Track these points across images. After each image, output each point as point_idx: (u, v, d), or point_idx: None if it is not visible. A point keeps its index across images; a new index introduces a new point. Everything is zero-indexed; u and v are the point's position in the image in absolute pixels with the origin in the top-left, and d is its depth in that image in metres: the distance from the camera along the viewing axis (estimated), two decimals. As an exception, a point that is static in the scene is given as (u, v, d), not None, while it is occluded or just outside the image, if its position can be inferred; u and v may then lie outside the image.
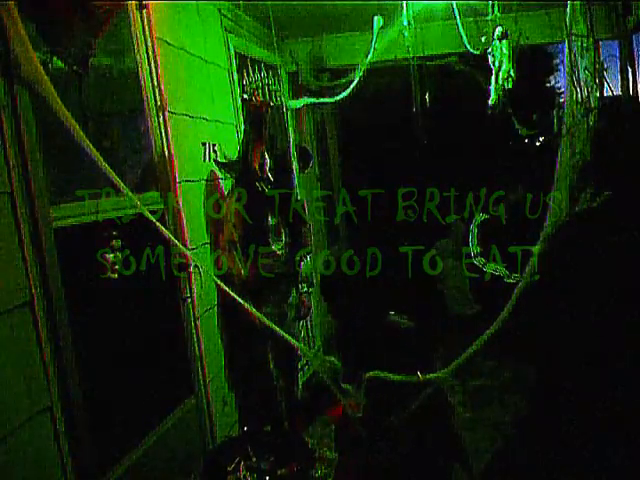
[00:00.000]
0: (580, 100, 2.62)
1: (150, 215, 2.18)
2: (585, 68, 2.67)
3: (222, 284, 2.58)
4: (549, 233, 2.48)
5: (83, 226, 2.34)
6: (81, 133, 1.99)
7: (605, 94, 3.00)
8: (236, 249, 3.36)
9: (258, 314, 2.48)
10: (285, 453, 2.83)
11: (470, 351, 2.53)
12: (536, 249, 2.51)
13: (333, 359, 2.61)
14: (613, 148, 2.73)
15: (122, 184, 2.09)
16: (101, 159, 2.02)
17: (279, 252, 3.57)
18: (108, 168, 2.04)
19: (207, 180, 3.49)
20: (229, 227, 3.37)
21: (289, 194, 3.88)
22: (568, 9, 2.60)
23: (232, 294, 2.46)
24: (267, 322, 2.49)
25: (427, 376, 2.54)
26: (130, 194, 2.12)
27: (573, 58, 2.62)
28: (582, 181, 2.57)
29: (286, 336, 2.54)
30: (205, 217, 3.42)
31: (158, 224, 2.20)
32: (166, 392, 2.85)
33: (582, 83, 2.62)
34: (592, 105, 2.63)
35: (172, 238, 2.32)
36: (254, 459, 2.77)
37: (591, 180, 2.57)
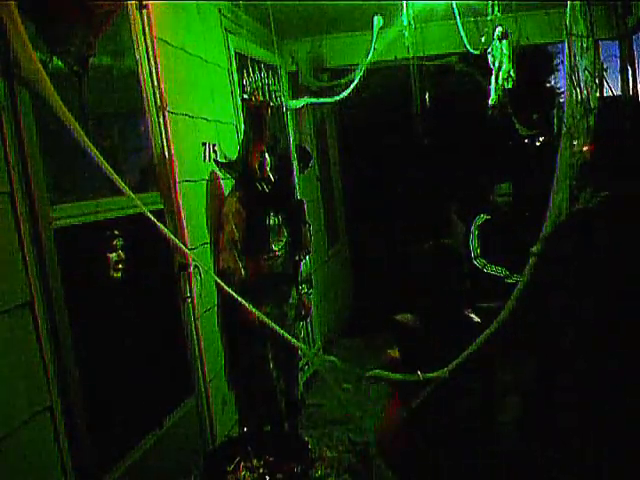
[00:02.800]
0: (580, 100, 2.62)
1: (151, 215, 2.18)
2: (585, 68, 2.67)
3: (222, 283, 2.58)
4: (548, 232, 2.48)
5: (83, 226, 2.34)
6: (82, 133, 1.99)
7: (605, 94, 3.00)
8: (236, 248, 3.37)
9: (259, 313, 2.48)
10: (285, 453, 2.83)
11: (470, 351, 2.53)
12: (536, 249, 2.51)
13: (334, 359, 2.61)
14: (613, 148, 2.73)
15: (122, 184, 2.09)
16: (102, 159, 2.02)
17: (279, 252, 3.57)
18: (109, 168, 2.04)
19: (208, 180, 3.49)
20: (230, 226, 3.37)
21: (289, 194, 3.88)
22: (568, 9, 2.60)
23: (233, 293, 2.45)
24: (268, 321, 2.49)
25: (427, 375, 2.54)
26: (131, 194, 2.12)
27: (573, 58, 2.62)
28: (582, 181, 2.57)
29: (287, 336, 2.54)
30: (207, 216, 3.42)
31: (160, 225, 2.20)
32: (166, 392, 2.85)
33: (582, 83, 2.62)
34: (592, 105, 2.63)
35: (174, 239, 2.31)
36: (254, 459, 2.77)
37: (591, 180, 2.57)
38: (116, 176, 2.06)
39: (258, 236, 3.48)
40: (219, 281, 2.66)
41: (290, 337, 2.57)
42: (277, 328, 2.50)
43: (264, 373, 3.53)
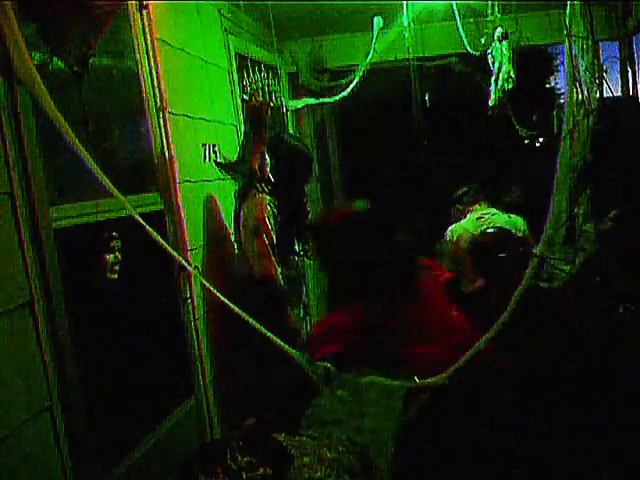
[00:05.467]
0: (580, 101, 2.62)
1: (140, 219, 2.15)
2: (585, 69, 2.67)
3: (212, 288, 2.55)
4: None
5: (83, 226, 2.34)
6: (73, 136, 1.97)
7: (605, 95, 3.01)
8: (274, 254, 3.29)
9: (258, 325, 2.42)
10: (259, 456, 2.76)
11: (469, 355, 2.52)
12: (538, 250, 2.51)
13: (327, 365, 2.57)
14: (613, 149, 2.74)
15: (112, 187, 2.06)
16: (92, 161, 1.99)
17: (300, 252, 3.57)
18: (98, 170, 2.01)
19: (209, 181, 3.49)
20: (267, 230, 3.27)
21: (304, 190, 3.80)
22: (568, 10, 2.61)
23: (227, 302, 2.41)
24: (265, 331, 2.43)
25: (425, 381, 2.53)
26: (120, 197, 2.09)
27: (573, 59, 2.62)
28: (582, 182, 2.58)
29: (276, 340, 2.48)
30: (207, 218, 3.40)
31: (151, 230, 2.18)
32: (166, 392, 2.85)
33: (582, 84, 2.62)
34: (592, 106, 2.64)
35: (161, 242, 2.27)
36: (229, 461, 2.70)
37: (591, 181, 2.57)
38: (105, 178, 2.04)
39: (288, 238, 3.45)
40: (211, 287, 2.62)
41: (284, 345, 2.51)
42: (270, 334, 2.44)
43: (281, 374, 3.45)
